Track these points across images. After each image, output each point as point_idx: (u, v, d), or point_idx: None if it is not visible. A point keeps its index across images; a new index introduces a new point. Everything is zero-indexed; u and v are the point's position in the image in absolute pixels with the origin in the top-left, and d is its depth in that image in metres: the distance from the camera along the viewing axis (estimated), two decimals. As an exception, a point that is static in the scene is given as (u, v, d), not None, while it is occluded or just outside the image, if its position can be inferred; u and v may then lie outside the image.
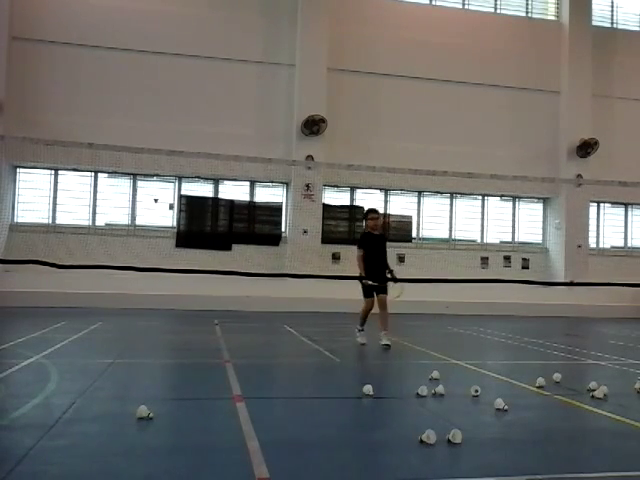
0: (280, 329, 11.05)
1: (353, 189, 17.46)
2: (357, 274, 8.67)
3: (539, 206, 18.97)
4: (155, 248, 15.40)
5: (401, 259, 17.11)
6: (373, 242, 8.77)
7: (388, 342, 8.44)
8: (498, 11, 18.65)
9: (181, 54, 16.07)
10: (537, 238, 18.88)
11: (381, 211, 17.41)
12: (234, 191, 16.79)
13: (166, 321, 12.35)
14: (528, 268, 18.15)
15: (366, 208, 10.04)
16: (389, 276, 8.73)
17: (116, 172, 15.84)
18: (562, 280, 17.15)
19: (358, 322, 8.83)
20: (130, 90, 15.76)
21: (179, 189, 16.48)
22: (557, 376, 6.01)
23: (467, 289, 15.37)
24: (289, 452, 3.67)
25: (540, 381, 5.87)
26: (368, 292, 8.70)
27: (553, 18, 18.98)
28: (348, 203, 17.43)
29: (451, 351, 8.42)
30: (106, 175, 16.11)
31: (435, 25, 17.74)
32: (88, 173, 15.92)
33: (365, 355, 8.33)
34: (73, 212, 15.86)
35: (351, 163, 12.12)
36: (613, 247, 19.28)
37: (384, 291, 8.68)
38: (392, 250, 17.05)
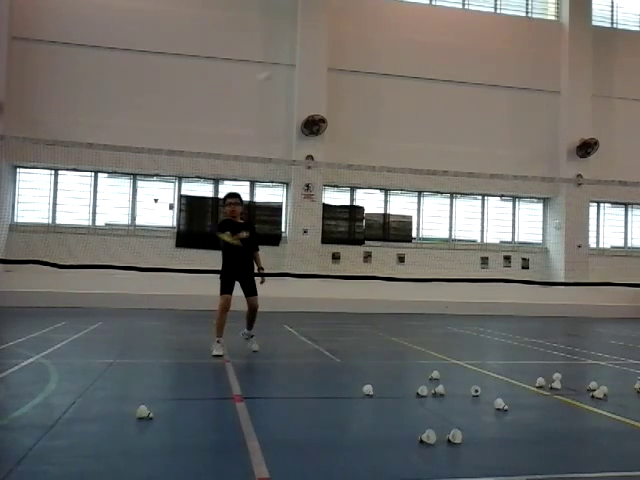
0: (280, 329, 11.04)
1: (353, 189, 17.47)
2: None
3: (539, 206, 18.97)
4: (155, 248, 15.40)
5: (401, 259, 17.14)
6: (235, 231, 7.35)
7: (256, 348, 7.67)
8: (498, 11, 18.65)
9: (181, 54, 16.08)
10: (537, 238, 18.88)
11: (380, 211, 17.50)
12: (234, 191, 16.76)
13: (166, 321, 12.33)
14: (528, 268, 18.15)
15: (229, 193, 8.30)
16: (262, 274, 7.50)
17: (116, 172, 15.84)
18: (562, 280, 17.15)
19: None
20: (130, 90, 15.76)
21: (179, 189, 16.48)
22: (557, 376, 5.99)
23: (467, 289, 15.36)
24: (289, 452, 3.67)
25: (540, 381, 5.87)
26: (224, 288, 7.35)
27: (553, 18, 18.98)
28: (348, 203, 17.43)
29: (451, 351, 8.42)
30: (106, 175, 16.12)
31: (435, 25, 17.74)
32: (88, 173, 15.93)
33: (365, 355, 8.33)
34: (73, 212, 15.86)
35: (351, 163, 12.11)
36: (613, 247, 19.28)
37: (252, 292, 7.51)
38: (392, 250, 17.38)
